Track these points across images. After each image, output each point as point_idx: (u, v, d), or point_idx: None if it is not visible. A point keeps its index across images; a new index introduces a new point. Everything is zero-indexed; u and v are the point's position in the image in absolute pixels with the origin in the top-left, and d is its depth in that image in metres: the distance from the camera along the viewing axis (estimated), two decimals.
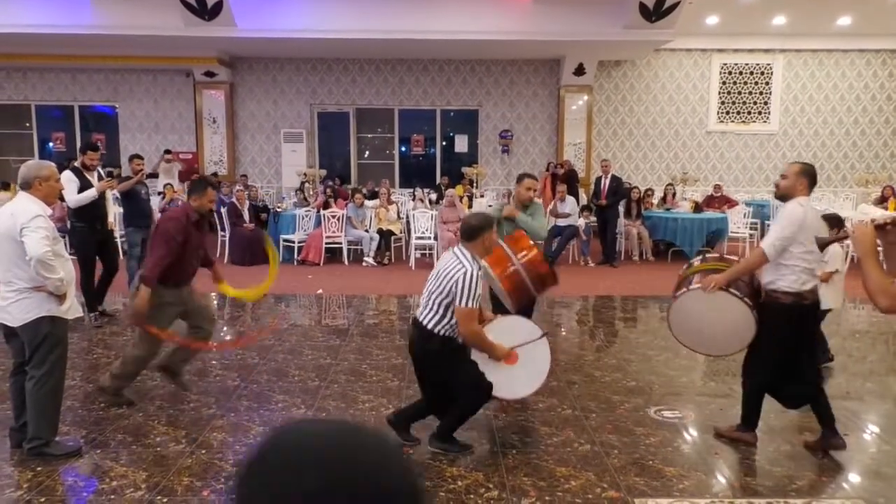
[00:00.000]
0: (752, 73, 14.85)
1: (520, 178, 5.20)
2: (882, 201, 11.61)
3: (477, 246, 3.78)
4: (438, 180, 14.28)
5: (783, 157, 15.08)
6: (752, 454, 3.99)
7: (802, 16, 13.06)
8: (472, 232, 3.78)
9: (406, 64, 14.72)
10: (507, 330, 4.09)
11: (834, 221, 4.63)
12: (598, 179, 10.84)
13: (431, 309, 3.76)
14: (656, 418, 4.46)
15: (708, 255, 4.62)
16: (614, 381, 5.20)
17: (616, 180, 10.68)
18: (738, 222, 11.64)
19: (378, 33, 12.25)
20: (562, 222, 10.43)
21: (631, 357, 5.90)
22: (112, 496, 3.37)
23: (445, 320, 3.74)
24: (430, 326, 3.76)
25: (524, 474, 3.65)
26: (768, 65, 14.81)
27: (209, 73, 14.18)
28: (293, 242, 10.59)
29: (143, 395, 4.76)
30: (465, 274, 3.63)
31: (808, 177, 3.82)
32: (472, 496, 3.41)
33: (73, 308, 3.83)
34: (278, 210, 11.12)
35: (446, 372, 3.84)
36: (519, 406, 4.61)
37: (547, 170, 13.97)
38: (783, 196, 3.89)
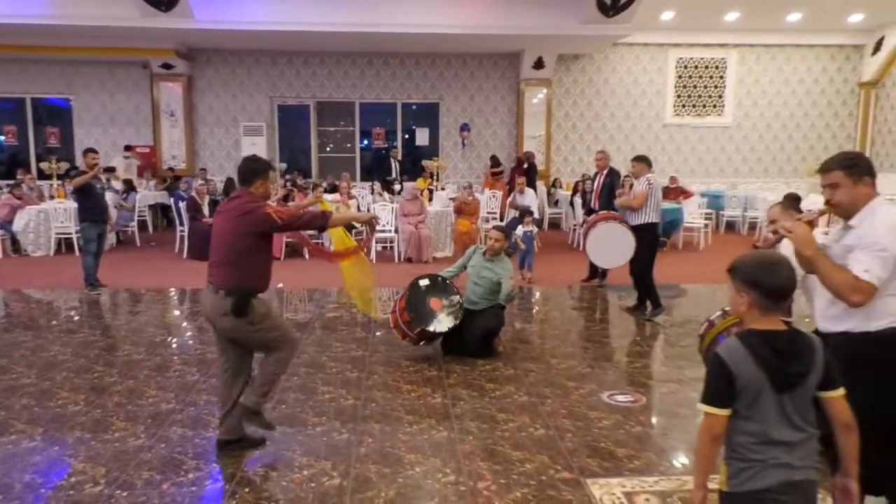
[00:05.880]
0: (706, 67, 15.20)
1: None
2: None
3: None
4: (393, 174, 13.89)
5: (737, 149, 15.50)
6: None
7: (754, 11, 13.40)
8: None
9: (367, 57, 14.70)
10: None
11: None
12: (595, 176, 8.53)
13: None
14: (609, 402, 4.61)
15: (728, 310, 3.78)
16: (569, 367, 5.34)
17: (613, 175, 8.26)
18: (693, 213, 11.93)
19: (338, 26, 12.23)
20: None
21: (587, 344, 6.06)
22: (70, 492, 3.37)
23: None
24: None
25: (480, 459, 3.75)
26: (722, 59, 15.17)
27: (166, 66, 13.97)
28: None
29: (101, 392, 4.75)
30: None
31: None
32: (429, 481, 3.49)
33: None
34: None
35: None
36: (476, 394, 4.72)
37: (494, 165, 14.14)
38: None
